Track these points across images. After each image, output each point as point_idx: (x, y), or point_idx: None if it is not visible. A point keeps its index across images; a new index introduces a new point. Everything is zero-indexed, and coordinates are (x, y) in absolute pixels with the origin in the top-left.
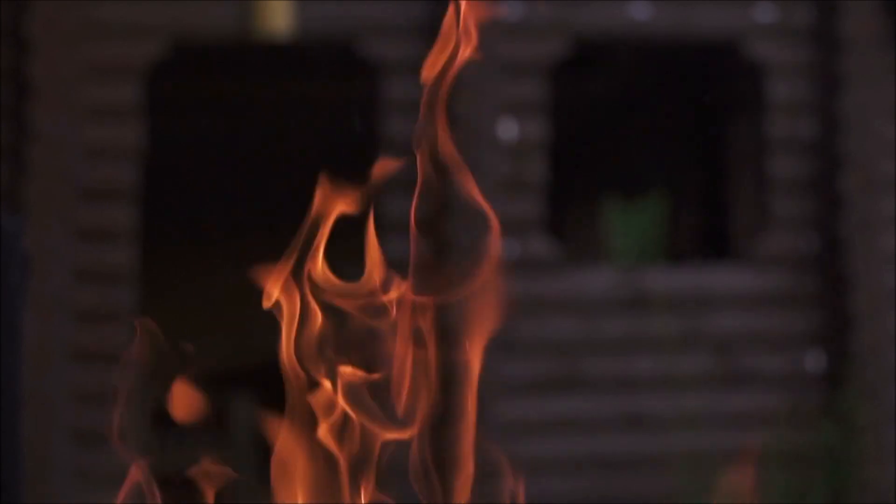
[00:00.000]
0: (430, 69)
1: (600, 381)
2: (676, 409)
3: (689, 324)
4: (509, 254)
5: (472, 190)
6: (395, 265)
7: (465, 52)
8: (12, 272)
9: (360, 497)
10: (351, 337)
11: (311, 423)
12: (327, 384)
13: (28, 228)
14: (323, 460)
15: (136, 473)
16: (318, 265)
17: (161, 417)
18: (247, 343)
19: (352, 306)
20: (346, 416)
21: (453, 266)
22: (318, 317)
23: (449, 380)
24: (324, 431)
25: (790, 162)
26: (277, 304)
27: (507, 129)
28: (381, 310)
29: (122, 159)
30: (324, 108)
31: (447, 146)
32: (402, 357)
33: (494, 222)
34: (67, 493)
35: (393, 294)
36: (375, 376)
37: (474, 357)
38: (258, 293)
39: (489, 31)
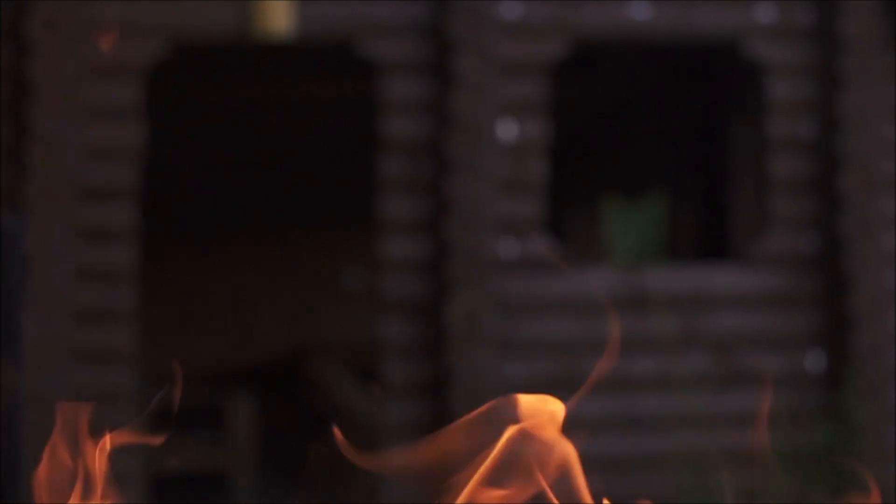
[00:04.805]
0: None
1: (600, 381)
2: (676, 409)
3: (689, 324)
4: (509, 254)
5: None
6: (396, 265)
7: None
8: (12, 272)
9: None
10: None
11: None
12: None
13: (28, 228)
14: None
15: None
16: None
17: (161, 417)
18: (246, 343)
19: None
20: None
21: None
22: None
23: (444, 384)
24: None
25: (790, 162)
26: None
27: (507, 129)
28: None
29: (122, 159)
30: (324, 108)
31: None
32: None
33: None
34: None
35: None
36: None
37: None
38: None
39: (489, 31)
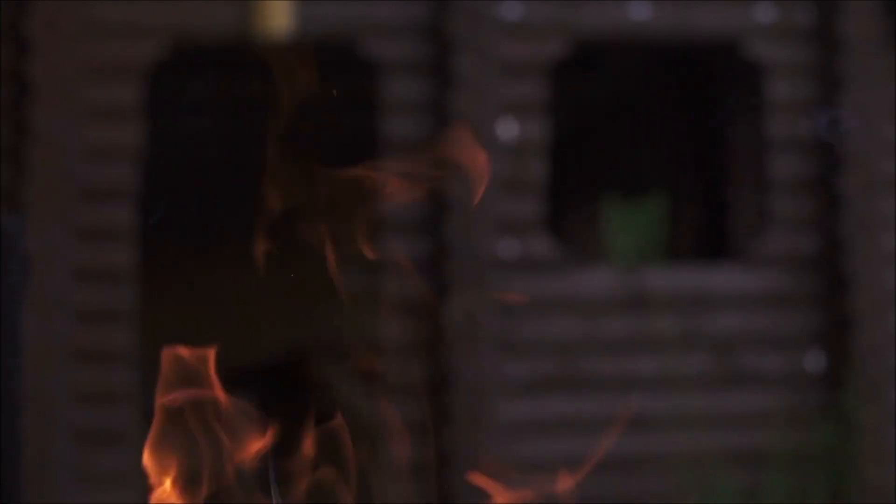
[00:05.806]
0: None
1: (600, 381)
2: (676, 409)
3: (689, 324)
4: (509, 254)
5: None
6: (394, 265)
7: None
8: (12, 272)
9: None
10: None
11: None
12: None
13: (28, 228)
14: None
15: None
16: None
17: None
18: (247, 343)
19: None
20: None
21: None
22: None
23: (444, 382)
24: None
25: (790, 162)
26: None
27: (507, 129)
28: None
29: (122, 159)
30: (324, 108)
31: None
32: None
33: None
34: (67, 493)
35: None
36: None
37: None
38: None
39: (489, 31)
